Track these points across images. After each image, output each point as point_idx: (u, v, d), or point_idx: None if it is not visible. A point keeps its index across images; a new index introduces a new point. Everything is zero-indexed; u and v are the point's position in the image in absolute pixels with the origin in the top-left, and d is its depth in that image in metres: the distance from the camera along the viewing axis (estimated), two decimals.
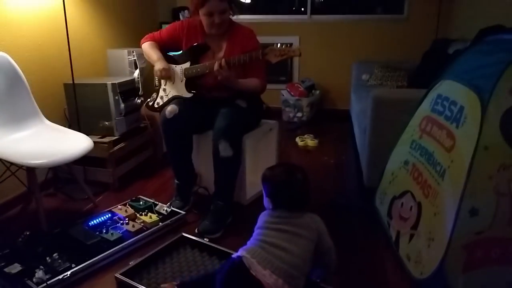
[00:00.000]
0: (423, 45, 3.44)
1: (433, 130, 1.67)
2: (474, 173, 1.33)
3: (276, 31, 4.27)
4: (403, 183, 1.83)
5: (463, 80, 1.57)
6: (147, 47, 2.22)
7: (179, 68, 2.17)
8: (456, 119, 1.51)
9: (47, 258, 1.64)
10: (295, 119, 4.14)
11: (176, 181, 2.24)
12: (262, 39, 2.19)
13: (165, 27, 2.35)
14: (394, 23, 4.06)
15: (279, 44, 1.93)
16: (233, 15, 2.13)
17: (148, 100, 2.30)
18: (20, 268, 1.58)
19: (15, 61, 2.12)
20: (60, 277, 1.54)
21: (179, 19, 3.99)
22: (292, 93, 4.12)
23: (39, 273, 1.54)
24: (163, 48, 2.22)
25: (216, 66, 1.94)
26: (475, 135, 1.35)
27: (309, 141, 3.40)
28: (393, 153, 2.02)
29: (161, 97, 2.24)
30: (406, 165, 1.84)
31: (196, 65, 2.11)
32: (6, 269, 1.56)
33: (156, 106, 2.25)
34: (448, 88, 1.69)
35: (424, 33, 3.87)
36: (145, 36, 2.26)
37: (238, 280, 1.26)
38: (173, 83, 2.20)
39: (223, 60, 1.93)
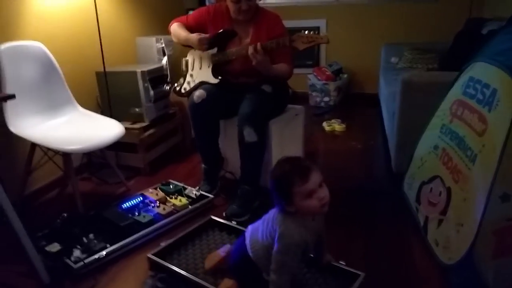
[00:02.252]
0: (455, 26, 3.30)
1: (465, 114, 1.63)
2: (507, 158, 1.29)
3: (302, 15, 4.21)
4: (432, 168, 1.80)
5: (496, 62, 1.52)
6: (175, 27, 2.23)
7: (206, 54, 2.19)
8: (488, 103, 1.47)
9: (84, 239, 1.73)
10: (322, 104, 4.10)
11: (203, 165, 2.29)
12: (288, 23, 2.18)
13: (190, 14, 2.37)
14: (425, 2, 3.91)
15: (306, 31, 1.91)
16: (259, 0, 2.12)
17: (175, 85, 2.34)
18: (59, 247, 1.67)
19: (50, 51, 2.20)
20: (96, 256, 1.62)
21: (205, 5, 3.99)
22: (319, 77, 4.08)
23: (77, 252, 1.63)
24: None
25: (251, 50, 1.93)
26: (508, 118, 1.31)
27: (337, 126, 3.37)
28: (423, 137, 1.98)
29: (188, 83, 2.27)
30: (435, 149, 1.81)
31: (223, 51, 2.13)
32: (47, 248, 1.66)
33: (183, 91, 2.29)
34: (481, 70, 1.63)
35: (456, 13, 3.72)
36: (173, 20, 2.29)
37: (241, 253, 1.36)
38: (200, 68, 2.23)
39: (258, 44, 1.92)
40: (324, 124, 3.42)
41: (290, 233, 1.21)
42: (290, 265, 1.23)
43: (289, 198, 1.20)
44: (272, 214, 1.30)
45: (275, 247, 1.22)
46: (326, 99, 4.08)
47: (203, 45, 2.12)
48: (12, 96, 1.57)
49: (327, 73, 4.06)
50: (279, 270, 1.22)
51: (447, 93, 1.86)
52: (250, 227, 1.39)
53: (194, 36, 2.12)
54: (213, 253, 1.58)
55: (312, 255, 1.49)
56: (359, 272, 1.45)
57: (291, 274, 1.25)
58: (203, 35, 2.11)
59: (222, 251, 1.55)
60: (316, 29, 1.93)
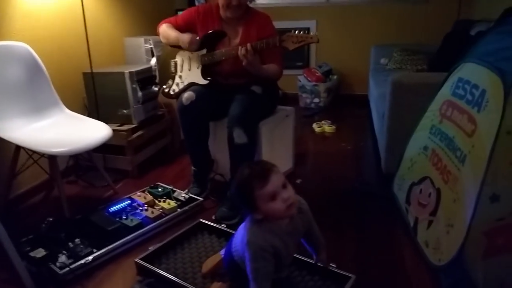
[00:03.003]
0: (444, 27, 3.33)
1: (454, 115, 1.63)
2: (496, 159, 1.29)
3: (293, 15, 4.21)
4: (422, 169, 1.80)
5: (485, 62, 1.52)
6: (165, 28, 2.20)
7: (195, 55, 2.17)
8: (477, 103, 1.47)
9: (70, 244, 1.69)
10: (312, 105, 4.10)
11: (193, 167, 2.26)
12: (278, 24, 2.17)
13: (179, 14, 2.34)
14: (414, 4, 3.94)
15: (296, 31, 1.90)
16: (251, 1, 2.11)
17: (164, 87, 2.31)
18: (44, 252, 1.63)
19: (35, 52, 2.16)
20: (82, 261, 1.58)
21: (194, 5, 3.97)
22: (309, 79, 4.08)
23: (62, 258, 1.59)
24: None
25: (242, 51, 1.91)
26: (497, 119, 1.31)
27: (327, 127, 3.37)
28: (412, 138, 1.98)
29: (177, 84, 2.25)
30: (425, 150, 1.81)
31: (213, 52, 2.11)
32: (31, 254, 1.62)
33: (172, 93, 2.26)
34: (470, 71, 1.64)
35: (445, 14, 3.75)
36: (161, 21, 2.26)
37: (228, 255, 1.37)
38: (189, 70, 2.20)
39: (249, 44, 1.91)
40: (314, 125, 3.42)
41: (254, 240, 1.18)
42: (265, 271, 1.19)
43: (253, 204, 1.18)
44: (244, 223, 1.28)
45: (245, 256, 1.20)
46: (316, 100, 4.08)
47: (193, 45, 2.10)
48: None
49: (317, 74, 4.07)
50: (256, 278, 1.19)
51: (437, 93, 1.87)
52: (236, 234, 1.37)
53: (185, 36, 2.09)
54: (211, 257, 1.56)
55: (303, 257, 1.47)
56: (349, 275, 1.43)
57: (270, 279, 1.21)
58: (194, 35, 2.09)
59: (221, 253, 1.51)
60: (306, 30, 1.91)
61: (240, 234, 1.28)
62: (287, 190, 1.18)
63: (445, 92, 1.79)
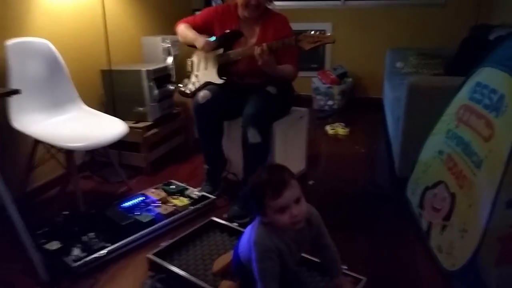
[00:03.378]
0: (461, 32, 3.29)
1: (471, 119, 1.61)
2: None
3: (308, 18, 4.21)
4: (436, 174, 1.78)
5: (504, 67, 1.50)
6: (183, 29, 2.23)
7: (212, 54, 2.18)
8: (495, 108, 1.45)
9: (84, 237, 1.72)
10: (326, 107, 4.09)
11: (206, 166, 2.28)
12: (294, 26, 2.17)
13: (197, 13, 2.36)
14: (431, 8, 3.90)
15: (312, 31, 1.90)
16: (270, 3, 2.12)
17: (180, 85, 2.33)
18: (59, 245, 1.66)
19: (56, 49, 2.20)
20: (96, 255, 1.61)
21: (211, 5, 4.00)
22: (323, 81, 4.07)
23: (76, 251, 1.62)
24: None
25: (258, 51, 1.91)
26: None
27: (340, 129, 3.36)
28: (427, 142, 1.97)
29: (193, 83, 2.27)
30: (440, 155, 1.79)
31: (229, 52, 2.12)
32: (46, 246, 1.65)
33: (187, 92, 2.28)
34: (488, 75, 1.62)
35: (462, 19, 3.71)
36: (180, 21, 2.28)
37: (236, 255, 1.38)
38: (205, 69, 2.22)
39: (264, 44, 1.91)
40: (328, 127, 3.41)
41: (260, 241, 1.19)
42: (272, 271, 1.19)
43: (262, 209, 1.19)
44: (253, 223, 1.29)
45: (252, 256, 1.21)
46: (330, 102, 4.06)
47: (208, 50, 2.13)
48: (18, 91, 1.57)
49: (331, 76, 4.06)
50: (263, 279, 1.19)
51: (453, 98, 1.85)
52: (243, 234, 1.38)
53: (201, 40, 2.12)
54: (223, 256, 1.57)
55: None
56: (361, 277, 1.43)
57: (276, 279, 1.21)
58: (210, 41, 2.11)
59: (231, 253, 1.52)
60: (322, 32, 1.91)
61: (247, 235, 1.29)
62: (299, 205, 1.17)
63: (462, 96, 1.77)
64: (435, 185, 1.76)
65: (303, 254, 1.44)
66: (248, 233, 1.28)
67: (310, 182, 2.40)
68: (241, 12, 2.12)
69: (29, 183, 2.17)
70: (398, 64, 3.68)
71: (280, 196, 1.14)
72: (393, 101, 2.69)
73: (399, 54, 3.73)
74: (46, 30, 2.27)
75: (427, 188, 1.82)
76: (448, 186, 1.64)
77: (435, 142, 1.89)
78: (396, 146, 2.35)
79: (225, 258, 1.54)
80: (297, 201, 1.16)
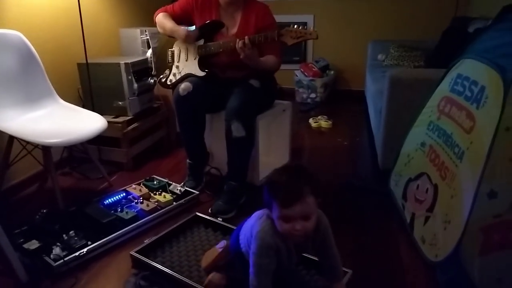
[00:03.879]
0: (441, 24, 3.32)
1: (452, 111, 1.63)
2: (494, 155, 1.29)
3: (290, 9, 4.18)
4: (419, 165, 1.80)
5: (484, 59, 1.51)
6: (161, 18, 2.18)
7: (192, 45, 2.14)
8: (476, 100, 1.46)
9: (64, 236, 1.67)
10: (309, 100, 4.09)
11: (188, 161, 2.25)
12: (275, 18, 2.15)
13: (176, 2, 2.30)
14: (412, 0, 3.93)
15: (295, 26, 1.88)
16: None
17: (161, 76, 2.28)
18: (38, 244, 1.61)
19: (29, 41, 2.12)
20: (77, 254, 1.57)
21: None
22: (305, 74, 4.07)
23: (56, 250, 1.57)
24: (176, 22, 2.18)
25: (239, 44, 1.89)
26: (497, 116, 1.31)
27: (323, 122, 3.36)
28: (410, 134, 1.98)
29: (174, 74, 2.22)
30: (423, 146, 1.81)
31: (210, 43, 2.09)
32: (25, 245, 1.60)
33: (168, 83, 2.24)
34: (469, 67, 1.63)
35: (442, 11, 3.75)
36: (158, 10, 2.23)
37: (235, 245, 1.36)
38: (186, 60, 2.18)
39: (246, 38, 1.88)
40: (311, 120, 3.41)
41: (263, 235, 1.17)
42: (266, 268, 1.18)
43: (270, 207, 1.16)
44: (262, 212, 1.26)
45: (251, 246, 1.19)
46: (313, 95, 4.06)
47: (190, 40, 2.09)
48: None
49: (314, 69, 4.05)
50: (257, 273, 1.18)
51: (435, 90, 1.86)
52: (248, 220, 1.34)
53: (181, 31, 2.07)
54: (210, 251, 1.53)
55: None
56: (346, 270, 1.43)
57: (270, 276, 1.19)
58: (190, 31, 2.06)
59: (218, 247, 1.49)
60: (304, 24, 1.89)
61: (251, 222, 1.26)
62: (306, 222, 1.12)
63: (443, 88, 1.79)
64: (418, 176, 1.77)
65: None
66: (253, 221, 1.24)
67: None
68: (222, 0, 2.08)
69: (5, 181, 2.09)
70: (380, 57, 3.71)
71: (288, 208, 1.10)
72: (375, 93, 2.70)
73: (381, 46, 3.76)
74: (18, 22, 2.18)
75: (409, 180, 1.84)
76: (431, 177, 1.66)
77: (417, 134, 1.91)
78: (378, 139, 2.36)
79: (212, 253, 1.51)
80: (305, 218, 1.11)
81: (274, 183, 1.15)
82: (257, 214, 1.28)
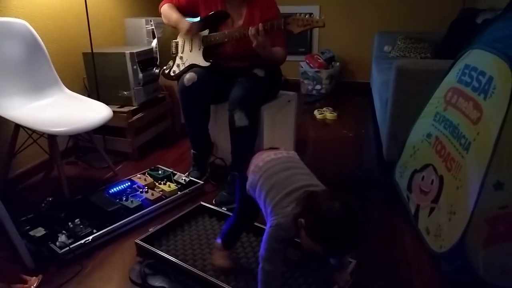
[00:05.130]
0: (448, 15, 3.28)
1: (459, 102, 1.61)
2: (501, 146, 1.28)
3: (296, 0, 4.15)
4: (425, 157, 1.79)
5: (493, 49, 1.50)
6: (166, 9, 2.17)
7: (197, 36, 2.13)
8: (484, 90, 1.45)
9: (70, 224, 1.68)
10: (314, 92, 4.07)
11: (192, 151, 2.25)
12: (281, 9, 2.12)
13: None
14: None
15: (302, 14, 1.86)
16: None
17: (164, 68, 2.28)
18: (44, 232, 1.62)
19: (35, 30, 2.12)
20: (82, 241, 1.58)
21: None
22: (311, 65, 4.04)
23: (62, 237, 1.58)
24: (181, 13, 2.17)
25: (253, 31, 1.87)
26: (504, 106, 1.30)
27: (328, 114, 3.35)
28: (415, 125, 1.97)
29: (178, 65, 2.21)
30: (428, 138, 1.80)
31: (215, 33, 2.07)
32: (31, 232, 1.61)
33: (172, 74, 2.23)
34: (477, 58, 1.61)
35: (450, 3, 3.70)
36: (163, 1, 2.22)
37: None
38: (190, 51, 2.17)
39: (260, 25, 1.86)
40: (316, 112, 3.40)
41: (284, 223, 1.12)
42: (279, 255, 1.17)
43: (306, 233, 1.09)
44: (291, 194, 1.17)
45: (268, 225, 1.16)
46: (318, 87, 4.05)
47: (194, 32, 2.09)
48: None
49: (319, 60, 4.03)
50: (271, 257, 1.17)
51: (442, 81, 1.84)
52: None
53: (184, 23, 2.07)
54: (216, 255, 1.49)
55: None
56: (350, 259, 1.43)
57: (281, 263, 1.20)
58: (193, 24, 2.06)
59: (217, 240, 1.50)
60: (309, 14, 1.87)
61: (275, 192, 1.18)
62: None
63: (450, 79, 1.77)
64: (423, 168, 1.76)
65: None
66: (279, 197, 1.16)
67: None
68: None
69: (11, 169, 2.11)
70: (386, 48, 3.67)
71: (331, 254, 1.15)
72: (381, 84, 2.68)
73: (387, 38, 3.72)
74: (24, 10, 2.18)
75: (415, 171, 1.83)
76: (436, 169, 1.65)
77: (423, 125, 1.89)
78: (384, 130, 2.35)
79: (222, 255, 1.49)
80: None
81: (328, 221, 1.05)
82: (285, 194, 1.17)
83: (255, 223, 1.56)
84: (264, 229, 1.19)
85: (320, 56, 4.08)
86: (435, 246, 1.50)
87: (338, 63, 4.17)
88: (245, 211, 1.39)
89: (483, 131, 1.39)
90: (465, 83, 1.61)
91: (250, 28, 1.88)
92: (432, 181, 1.65)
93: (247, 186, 1.29)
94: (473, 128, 1.45)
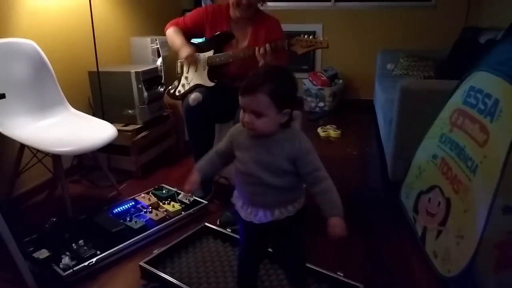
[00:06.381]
0: (451, 34, 3.32)
1: (465, 124, 1.61)
2: (509, 170, 1.27)
3: (299, 19, 4.19)
4: (431, 178, 1.78)
5: (498, 71, 1.50)
6: (171, 33, 2.19)
7: (202, 56, 2.15)
8: (490, 113, 1.45)
9: (73, 245, 1.67)
10: (317, 109, 4.08)
11: None
12: (284, 27, 2.15)
13: (187, 14, 2.32)
14: (422, 10, 3.92)
15: (305, 35, 1.88)
16: (262, 4, 2.10)
17: (170, 87, 2.29)
18: (48, 253, 1.61)
19: (42, 49, 2.14)
20: (86, 263, 1.56)
21: (201, 5, 3.95)
22: (314, 82, 4.06)
23: (66, 259, 1.57)
24: (187, 34, 2.19)
25: (261, 51, 1.89)
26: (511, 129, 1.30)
27: (332, 132, 3.35)
28: (421, 146, 1.96)
29: (183, 85, 2.23)
30: (434, 159, 1.79)
31: (220, 54, 2.09)
32: (34, 254, 1.60)
33: (177, 94, 2.24)
34: (482, 80, 1.62)
35: (452, 21, 3.73)
36: (169, 22, 2.24)
37: None
38: (195, 71, 2.18)
39: (267, 45, 1.89)
40: (319, 129, 3.40)
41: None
42: (221, 146, 1.30)
43: None
44: None
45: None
46: (321, 104, 4.06)
47: (190, 63, 2.14)
48: (2, 96, 1.51)
49: (322, 78, 4.05)
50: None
51: (447, 101, 1.85)
52: None
53: (184, 51, 2.09)
54: None
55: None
56: (358, 284, 1.41)
57: (217, 153, 1.31)
58: (191, 52, 2.09)
59: None
60: (312, 33, 1.89)
61: None
62: (255, 119, 1.10)
63: (456, 100, 1.77)
64: (430, 189, 1.75)
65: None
66: None
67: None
68: (232, 12, 2.09)
69: (15, 188, 2.10)
70: (389, 66, 3.70)
71: (241, 96, 1.14)
72: (384, 103, 2.69)
73: (390, 55, 3.75)
74: (31, 30, 2.20)
75: (421, 193, 1.82)
76: (443, 190, 1.64)
77: (428, 146, 1.89)
78: (388, 149, 2.34)
79: None
80: (256, 114, 1.10)
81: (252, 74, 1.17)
82: None
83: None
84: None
85: (323, 74, 4.10)
86: (443, 270, 1.48)
87: (341, 81, 4.19)
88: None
89: (491, 154, 1.38)
90: (470, 105, 1.61)
91: (257, 48, 1.89)
92: (439, 203, 1.64)
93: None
94: (480, 150, 1.45)
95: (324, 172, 1.20)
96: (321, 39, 1.87)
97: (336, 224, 1.15)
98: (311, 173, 1.19)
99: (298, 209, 1.22)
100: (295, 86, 1.21)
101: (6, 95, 1.55)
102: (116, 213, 1.95)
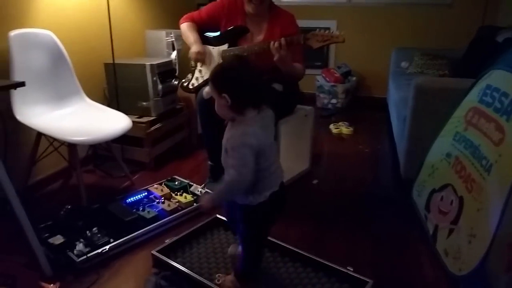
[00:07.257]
0: (467, 33, 3.27)
1: (480, 122, 1.60)
2: None
3: (313, 15, 4.17)
4: (444, 176, 1.77)
5: None
6: (185, 28, 2.21)
7: (216, 50, 2.16)
8: (506, 112, 1.43)
9: (87, 232, 1.70)
10: (330, 106, 4.06)
11: (209, 162, 2.26)
12: (298, 23, 2.16)
13: (203, 7, 2.33)
14: (438, 8, 3.87)
15: (321, 30, 1.88)
16: None
17: (183, 80, 2.31)
18: (63, 240, 1.65)
19: (60, 40, 2.17)
20: (99, 250, 1.60)
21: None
22: (327, 79, 4.05)
23: (80, 246, 1.60)
24: (202, 28, 2.21)
25: (276, 44, 1.89)
26: None
27: (344, 128, 3.34)
28: (434, 144, 1.95)
29: (196, 78, 2.24)
30: (448, 157, 1.78)
31: (234, 47, 2.10)
32: (50, 240, 1.64)
33: (190, 87, 2.26)
34: (499, 78, 1.60)
35: (469, 20, 3.68)
36: (184, 16, 2.26)
37: None
38: (209, 64, 2.20)
39: (283, 39, 1.89)
40: (331, 126, 3.39)
41: None
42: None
43: None
44: None
45: None
46: (334, 101, 4.04)
47: (196, 60, 2.18)
48: (22, 84, 1.54)
49: (335, 75, 4.03)
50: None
51: (462, 100, 1.83)
52: None
53: (195, 47, 2.12)
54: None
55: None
56: (367, 279, 1.42)
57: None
58: (201, 50, 2.12)
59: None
60: (327, 29, 1.90)
61: None
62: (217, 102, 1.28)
63: (471, 98, 1.76)
64: (442, 188, 1.74)
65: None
66: None
67: (314, 182, 2.39)
68: (246, 7, 2.09)
69: (31, 176, 2.15)
70: (403, 64, 3.66)
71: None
72: (398, 101, 2.67)
73: (404, 53, 3.71)
74: (49, 22, 2.24)
75: (433, 191, 1.81)
76: (456, 189, 1.63)
77: (442, 144, 1.88)
78: (401, 147, 2.33)
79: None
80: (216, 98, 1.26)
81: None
82: None
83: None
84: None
85: (336, 71, 4.08)
86: (454, 269, 1.48)
87: (354, 78, 4.17)
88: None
89: (506, 153, 1.37)
90: (486, 104, 1.60)
91: (272, 41, 1.90)
92: (452, 201, 1.63)
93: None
94: (495, 149, 1.44)
95: (233, 171, 1.25)
96: (337, 33, 1.87)
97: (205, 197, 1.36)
98: (226, 165, 1.30)
99: (254, 204, 1.30)
100: (241, 72, 1.27)
101: (26, 85, 1.58)
102: (129, 202, 1.98)
